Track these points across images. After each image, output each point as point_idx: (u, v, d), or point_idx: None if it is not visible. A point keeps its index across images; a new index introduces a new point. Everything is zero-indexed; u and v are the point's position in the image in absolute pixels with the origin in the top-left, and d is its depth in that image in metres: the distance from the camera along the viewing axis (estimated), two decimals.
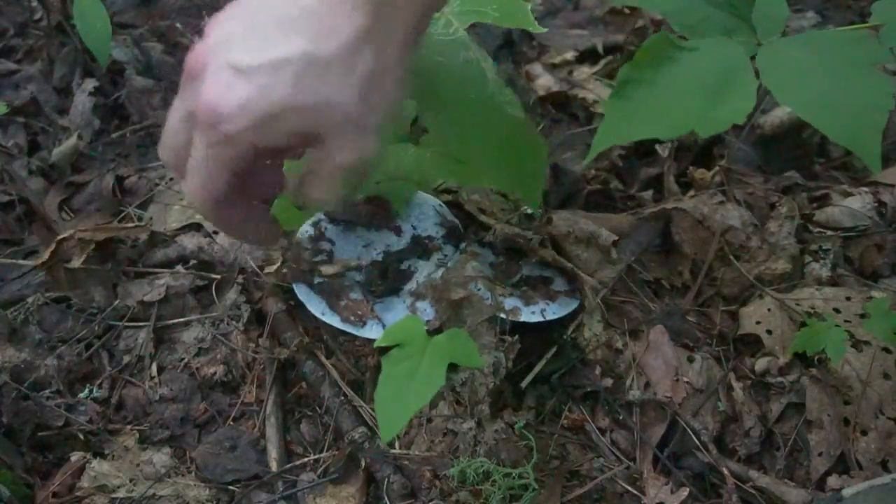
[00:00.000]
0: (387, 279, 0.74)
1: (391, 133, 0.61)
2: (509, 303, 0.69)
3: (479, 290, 0.69)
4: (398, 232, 0.77)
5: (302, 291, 0.69)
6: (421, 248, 0.76)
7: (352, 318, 0.67)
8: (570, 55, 1.17)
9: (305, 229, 0.76)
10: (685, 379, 0.71)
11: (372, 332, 0.67)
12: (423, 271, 0.73)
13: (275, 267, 0.79)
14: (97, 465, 0.68)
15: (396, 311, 0.70)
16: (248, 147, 0.53)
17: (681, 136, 0.60)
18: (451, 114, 0.68)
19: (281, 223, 0.81)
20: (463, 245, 0.76)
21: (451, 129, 0.68)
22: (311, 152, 0.57)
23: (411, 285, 0.72)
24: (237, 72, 0.51)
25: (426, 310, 0.69)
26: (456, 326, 0.68)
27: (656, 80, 0.61)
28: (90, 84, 1.10)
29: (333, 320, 0.67)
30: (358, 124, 0.54)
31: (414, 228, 0.77)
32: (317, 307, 0.68)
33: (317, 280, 0.70)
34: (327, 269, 0.72)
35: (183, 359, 0.76)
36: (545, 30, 0.76)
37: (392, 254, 0.76)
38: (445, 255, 0.75)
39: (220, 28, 0.54)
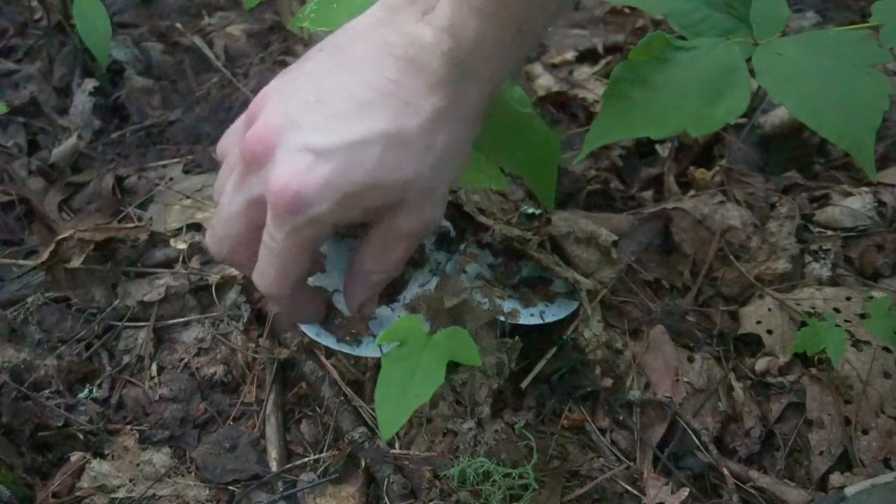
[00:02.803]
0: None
1: None
2: (508, 305, 0.69)
3: (475, 295, 0.68)
4: None
5: None
6: (412, 256, 0.75)
7: (347, 337, 0.67)
8: (570, 55, 1.17)
9: None
10: (685, 379, 0.71)
11: (368, 350, 0.66)
12: (417, 280, 0.72)
13: None
14: (97, 466, 0.68)
15: None
16: (329, 227, 0.53)
17: (674, 135, 0.60)
18: None
19: None
20: (462, 246, 0.76)
21: None
22: (374, 223, 0.57)
23: (405, 296, 0.71)
24: (316, 154, 0.50)
25: None
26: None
27: (650, 78, 0.61)
28: (90, 84, 1.10)
29: (329, 341, 0.67)
30: (430, 193, 0.55)
31: None
32: (311, 329, 0.68)
33: None
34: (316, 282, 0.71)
35: (183, 359, 0.76)
36: None
37: None
38: (438, 263, 0.74)
39: (274, 110, 0.52)
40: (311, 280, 0.70)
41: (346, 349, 0.66)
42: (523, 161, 0.71)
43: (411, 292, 0.71)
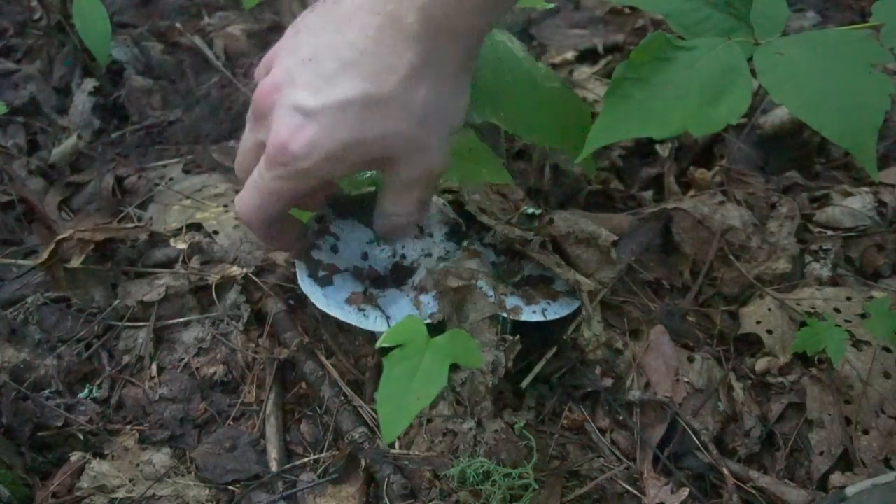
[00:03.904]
0: (389, 276, 0.74)
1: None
2: (510, 301, 0.69)
3: (480, 285, 0.69)
4: None
5: (306, 284, 0.70)
6: (424, 243, 0.76)
7: (356, 311, 0.68)
8: (570, 55, 1.17)
9: (310, 224, 0.76)
10: (685, 379, 0.71)
11: (376, 324, 0.67)
12: (426, 266, 0.73)
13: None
14: (97, 466, 0.68)
15: (400, 305, 0.70)
16: (316, 181, 0.59)
17: (675, 135, 0.60)
18: (493, 100, 0.69)
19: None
20: (465, 244, 0.76)
21: (497, 115, 0.70)
22: (384, 172, 0.63)
23: (414, 279, 0.72)
24: (304, 114, 0.56)
25: (429, 303, 0.69)
26: (458, 323, 0.68)
27: (652, 78, 0.61)
28: (90, 84, 1.10)
29: (337, 312, 0.68)
30: (420, 146, 0.59)
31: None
32: (321, 300, 0.69)
33: (321, 273, 0.71)
34: (328, 262, 0.72)
35: (183, 359, 0.76)
36: (553, 5, 0.77)
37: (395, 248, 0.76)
38: (448, 252, 0.75)
39: (280, 67, 0.59)
40: (324, 258, 0.72)
41: (353, 321, 0.67)
42: (558, 133, 0.72)
43: (419, 277, 0.71)
